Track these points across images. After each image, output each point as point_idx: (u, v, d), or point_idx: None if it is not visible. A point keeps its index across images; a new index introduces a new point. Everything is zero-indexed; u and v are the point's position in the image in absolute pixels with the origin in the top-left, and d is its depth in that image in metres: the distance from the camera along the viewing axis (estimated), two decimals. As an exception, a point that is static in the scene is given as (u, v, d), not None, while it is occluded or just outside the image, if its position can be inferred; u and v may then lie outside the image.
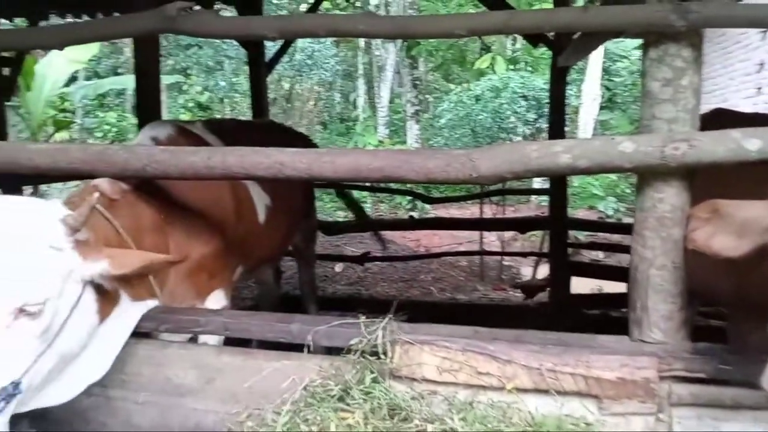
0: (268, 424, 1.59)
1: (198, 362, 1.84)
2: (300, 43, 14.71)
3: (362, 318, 1.72)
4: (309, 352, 1.72)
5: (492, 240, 7.41)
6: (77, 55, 8.86)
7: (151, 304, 1.88)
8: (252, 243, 2.63)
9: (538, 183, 9.55)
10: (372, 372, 1.64)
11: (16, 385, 1.33)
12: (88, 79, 13.64)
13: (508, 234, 7.09)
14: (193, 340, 2.04)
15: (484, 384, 1.60)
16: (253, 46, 4.92)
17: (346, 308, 4.34)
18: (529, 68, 13.08)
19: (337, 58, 16.87)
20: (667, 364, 1.51)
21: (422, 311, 4.22)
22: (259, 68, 5.09)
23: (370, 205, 12.56)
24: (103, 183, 1.83)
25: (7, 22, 6.32)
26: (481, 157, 1.62)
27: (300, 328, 1.74)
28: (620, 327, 1.75)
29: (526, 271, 6.61)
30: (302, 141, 3.75)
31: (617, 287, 3.95)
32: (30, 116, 8.98)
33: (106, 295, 1.62)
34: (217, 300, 2.28)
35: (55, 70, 8.84)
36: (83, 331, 1.56)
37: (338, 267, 6.96)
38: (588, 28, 1.79)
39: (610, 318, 4.11)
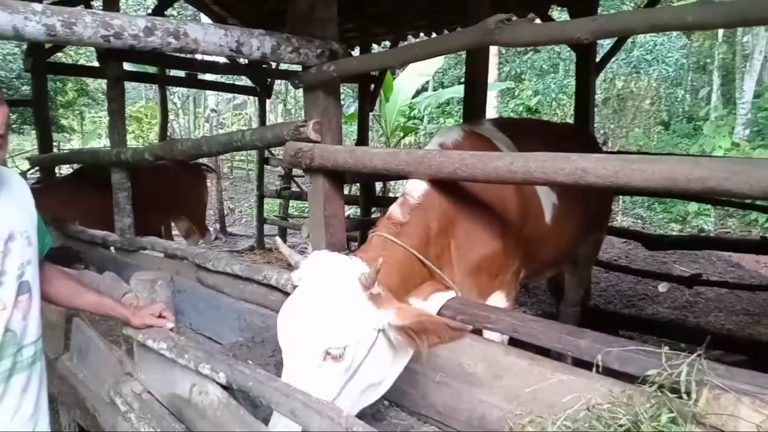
0: (547, 435, 1.56)
1: (487, 357, 1.92)
2: (640, 37, 13.52)
3: (665, 348, 1.52)
4: (597, 372, 1.61)
5: None
6: (425, 69, 10.16)
7: (449, 294, 2.06)
8: (536, 245, 2.54)
9: None
10: (670, 411, 1.43)
11: None
12: (434, 89, 15.46)
13: None
14: (476, 332, 2.14)
15: (829, 463, 1.23)
16: (581, 47, 4.78)
17: (663, 333, 3.85)
18: None
19: (685, 50, 14.87)
20: None
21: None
22: (587, 69, 4.92)
23: (713, 219, 10.74)
24: (395, 210, 2.07)
25: (377, 45, 7.67)
26: None
27: (590, 345, 1.64)
28: None
29: None
30: (593, 147, 3.55)
31: None
32: (386, 123, 10.70)
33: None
34: (497, 301, 2.29)
35: (406, 83, 10.32)
36: (382, 364, 1.78)
37: (662, 287, 6.20)
38: None
39: None
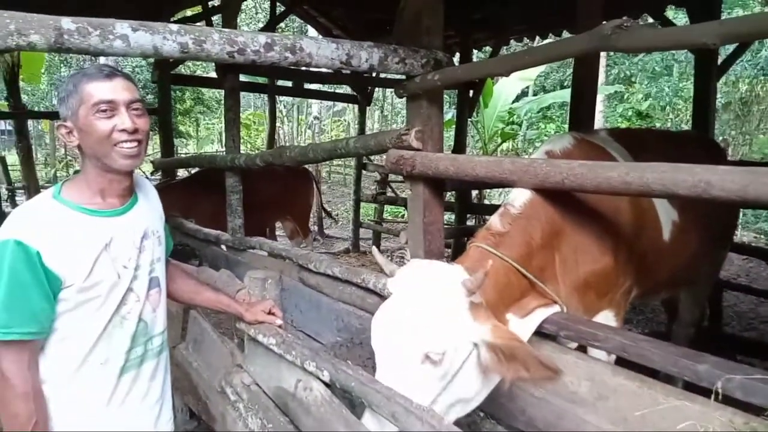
0: (658, 464, 1.48)
1: (592, 376, 1.84)
2: (770, 36, 12.31)
3: (798, 379, 1.38)
4: (716, 399, 1.49)
5: None
6: (527, 74, 9.92)
7: (554, 309, 1.99)
8: (651, 263, 2.36)
9: None
10: (804, 449, 1.30)
11: None
12: (535, 94, 15.04)
13: None
14: (581, 349, 2.04)
15: None
16: (702, 49, 4.46)
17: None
18: None
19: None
20: None
21: None
22: (708, 72, 4.58)
23: None
24: (494, 220, 1.99)
25: (477, 51, 7.61)
26: None
27: (709, 370, 1.52)
28: None
29: None
30: (719, 157, 3.26)
31: None
32: (483, 129, 10.56)
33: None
34: (605, 321, 2.14)
35: (507, 88, 10.13)
36: (474, 382, 1.71)
37: (785, 308, 5.61)
38: None
39: None
